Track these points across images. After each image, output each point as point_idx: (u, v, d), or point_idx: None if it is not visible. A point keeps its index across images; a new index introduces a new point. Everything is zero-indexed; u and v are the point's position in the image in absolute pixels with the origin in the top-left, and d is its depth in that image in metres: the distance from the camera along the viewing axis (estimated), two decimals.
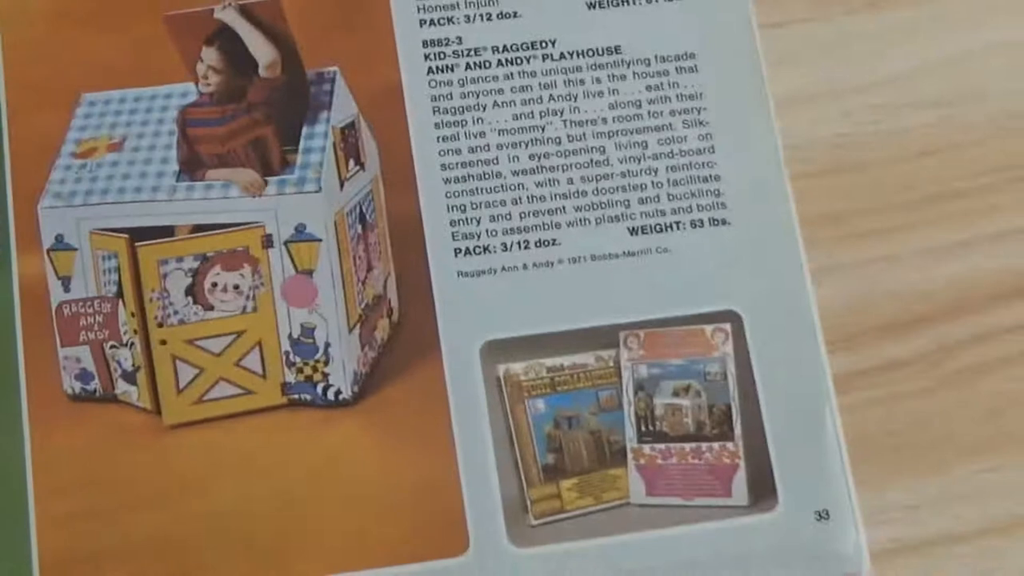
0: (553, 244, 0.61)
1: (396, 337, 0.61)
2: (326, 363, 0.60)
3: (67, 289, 0.60)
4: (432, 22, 0.63)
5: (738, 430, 0.60)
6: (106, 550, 0.57)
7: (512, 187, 0.61)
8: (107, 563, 0.57)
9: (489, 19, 0.63)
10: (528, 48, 0.63)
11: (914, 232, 0.65)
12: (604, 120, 0.62)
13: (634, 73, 0.63)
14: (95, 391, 0.60)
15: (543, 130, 0.62)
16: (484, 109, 0.62)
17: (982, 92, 0.66)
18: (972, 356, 0.63)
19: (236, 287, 0.60)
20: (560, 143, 0.61)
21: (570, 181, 0.61)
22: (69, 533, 0.57)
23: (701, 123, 0.62)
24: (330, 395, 0.60)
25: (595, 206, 0.61)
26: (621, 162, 0.62)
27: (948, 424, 0.62)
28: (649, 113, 0.62)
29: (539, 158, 0.61)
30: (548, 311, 0.60)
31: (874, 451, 0.62)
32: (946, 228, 0.65)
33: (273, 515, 0.58)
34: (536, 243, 0.61)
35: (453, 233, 0.61)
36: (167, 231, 0.60)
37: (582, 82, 0.62)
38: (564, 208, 0.61)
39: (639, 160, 0.62)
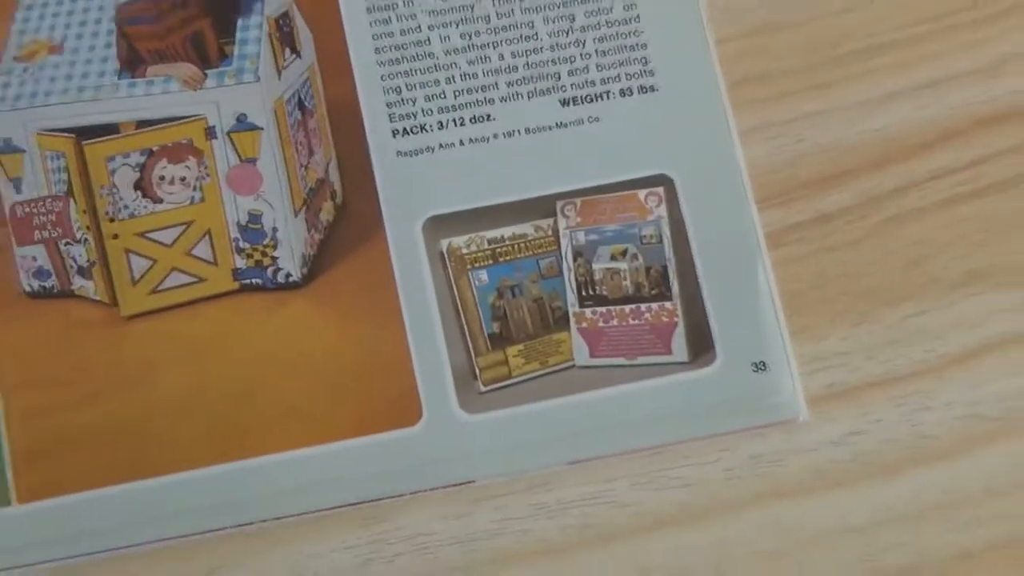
0: (488, 120, 0.62)
1: (341, 218, 0.62)
2: (274, 247, 0.61)
3: (18, 190, 0.61)
4: None
5: (675, 289, 0.61)
6: (73, 439, 0.58)
7: (445, 66, 0.62)
8: (75, 451, 0.58)
9: None
10: None
11: (840, 87, 0.64)
12: (535, 8, 0.62)
13: None
14: (53, 288, 0.61)
15: (472, 9, 0.62)
16: None
17: None
18: (897, 206, 0.63)
19: (183, 179, 0.61)
20: (489, 20, 0.62)
21: (501, 57, 0.62)
22: (37, 425, 0.58)
23: None
24: (280, 278, 0.61)
25: (526, 80, 0.62)
26: (550, 36, 0.62)
27: (876, 273, 0.62)
28: None
29: (470, 36, 0.62)
30: (486, 185, 0.61)
31: (807, 303, 0.62)
32: (873, 81, 0.64)
33: (230, 397, 0.59)
34: (471, 119, 0.61)
35: (390, 115, 0.61)
36: (112, 128, 0.60)
37: None
38: (496, 84, 0.62)
39: (567, 33, 0.62)
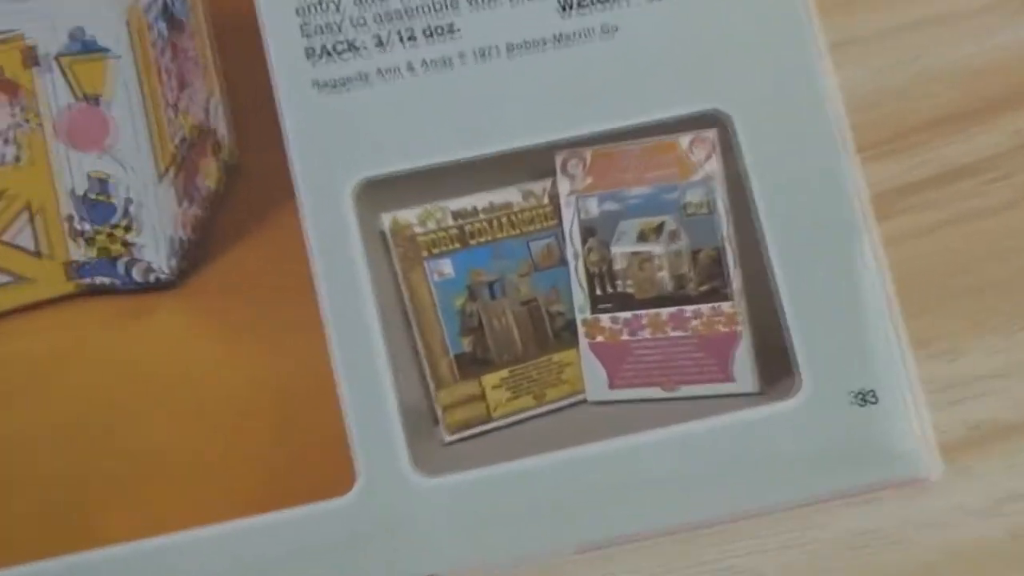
0: (450, 32, 0.56)
1: (232, 185, 0.59)
2: (129, 229, 0.57)
3: None
4: None
5: (737, 283, 0.56)
6: None
7: None
8: None
9: None
10: None
11: None
12: None
13: None
14: None
15: None
16: None
17: None
18: None
19: None
20: None
21: None
22: None
23: None
24: (138, 274, 0.57)
25: None
26: None
27: None
28: None
29: None
30: (449, 132, 0.56)
31: (933, 301, 0.56)
32: None
33: (64, 456, 0.55)
34: (425, 32, 0.56)
35: (303, 26, 0.56)
36: None
37: None
38: None
39: None
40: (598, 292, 0.57)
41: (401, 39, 0.56)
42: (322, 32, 0.56)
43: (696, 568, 0.55)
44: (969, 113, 0.58)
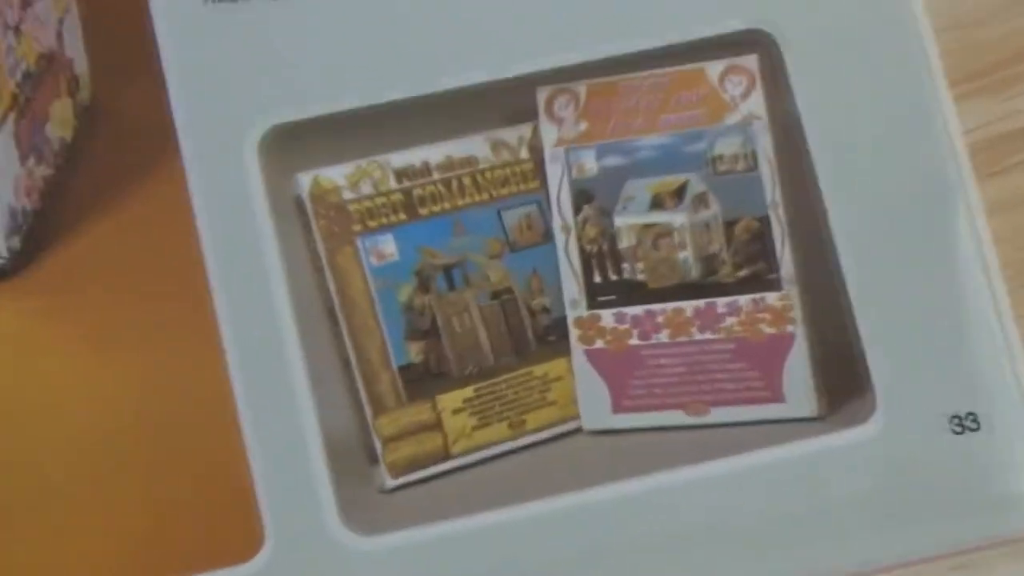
0: None
1: (91, 134, 0.52)
2: None
3: None
4: None
5: (787, 267, 0.49)
6: None
7: None
8: None
9: None
10: None
11: None
12: None
13: None
14: None
15: None
16: None
17: None
18: None
19: None
20: None
21: None
22: None
23: None
24: None
25: None
26: None
27: None
28: None
29: None
30: (390, 59, 0.48)
31: None
32: None
33: None
34: None
35: None
36: None
37: None
38: None
39: None
40: (597, 279, 0.50)
41: None
42: None
43: None
44: None
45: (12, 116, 0.51)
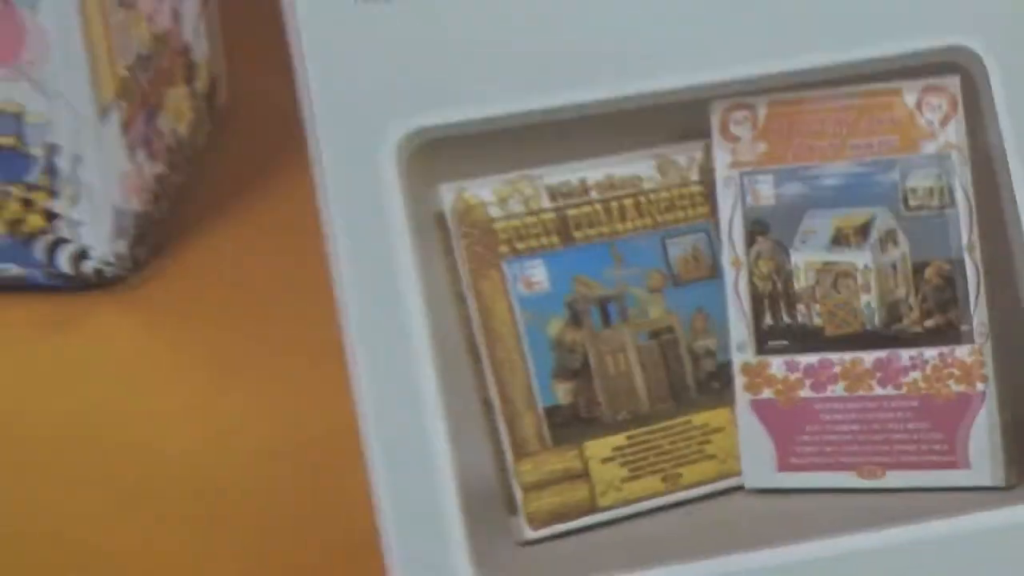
0: None
1: (215, 132, 0.56)
2: (53, 191, 0.54)
3: None
4: None
5: (980, 318, 0.50)
6: None
7: None
8: None
9: None
10: None
11: None
12: None
13: None
14: None
15: None
16: None
17: None
18: None
19: None
20: None
21: None
22: None
23: None
24: (65, 262, 0.55)
25: None
26: None
27: None
28: None
29: None
30: (546, 62, 0.49)
31: None
32: None
33: None
34: None
35: None
36: None
37: None
38: None
39: None
40: (768, 322, 0.51)
41: None
42: None
43: None
44: None
45: (122, 104, 0.51)
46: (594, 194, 0.51)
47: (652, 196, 0.51)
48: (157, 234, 0.53)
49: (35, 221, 0.52)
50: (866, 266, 0.50)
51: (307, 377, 0.54)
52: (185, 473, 0.54)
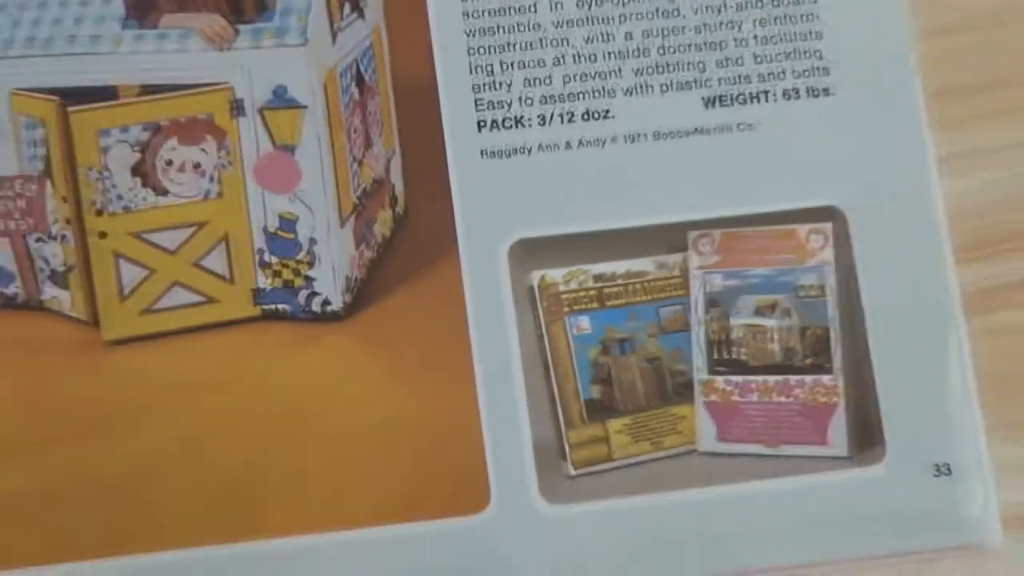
0: (605, 117, 0.62)
1: (401, 234, 0.65)
2: (310, 264, 0.63)
3: None
4: None
5: (837, 360, 0.61)
6: (28, 491, 0.59)
7: (554, 42, 0.63)
8: (29, 507, 0.59)
9: None
10: None
11: None
12: None
13: None
14: (15, 296, 0.63)
15: None
16: None
17: None
18: None
19: (196, 165, 0.63)
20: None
21: (628, 36, 0.62)
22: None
23: None
24: (315, 305, 0.63)
25: (660, 69, 0.63)
26: (696, 13, 0.62)
27: None
28: None
29: (589, 5, 0.63)
30: (597, 203, 0.62)
31: (1014, 391, 0.64)
32: None
33: (239, 457, 0.60)
34: (583, 115, 0.62)
35: (477, 100, 0.62)
36: (109, 93, 0.62)
37: None
38: (620, 71, 0.62)
39: (719, 11, 0.63)
40: (716, 356, 0.64)
41: (562, 119, 0.62)
42: (493, 108, 0.62)
43: None
44: None
45: (352, 218, 0.63)
46: (620, 280, 0.64)
47: (652, 283, 0.65)
48: (362, 292, 0.64)
49: (299, 281, 0.61)
50: (773, 327, 0.64)
51: (448, 379, 0.62)
52: (367, 425, 0.62)
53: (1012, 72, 0.67)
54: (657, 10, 0.63)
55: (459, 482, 0.60)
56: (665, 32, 0.63)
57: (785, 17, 0.64)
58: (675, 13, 0.63)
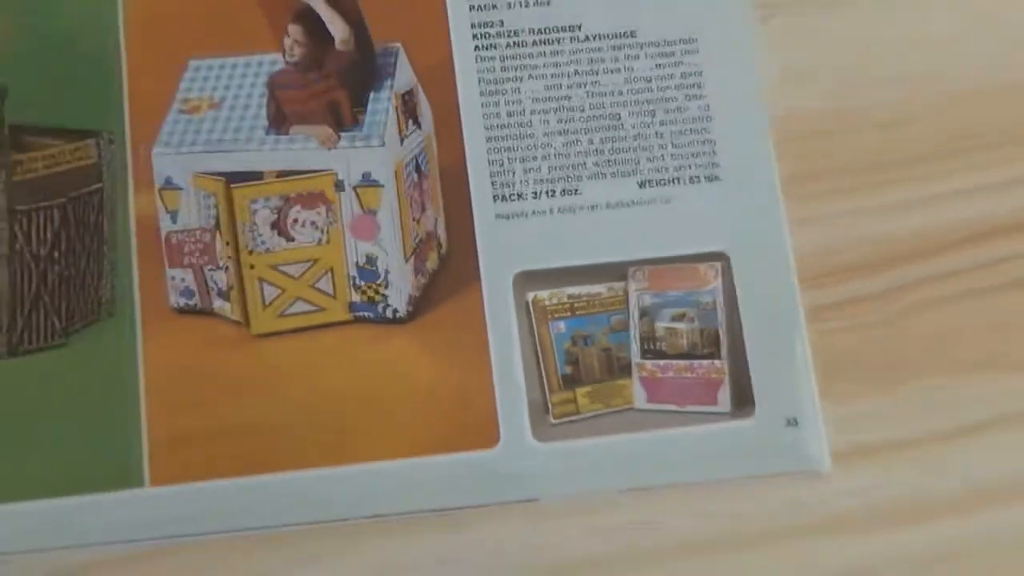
0: (575, 193, 0.69)
1: (443, 267, 0.68)
2: (385, 287, 0.68)
3: (174, 221, 0.67)
4: (479, 7, 0.71)
5: (724, 351, 0.67)
6: (202, 432, 0.65)
7: (542, 145, 0.69)
8: (202, 442, 0.64)
9: (526, 6, 0.71)
10: (559, 31, 0.70)
11: (879, 190, 0.72)
12: (620, 92, 0.70)
13: (646, 54, 0.70)
14: (195, 305, 0.67)
15: (569, 99, 0.69)
16: (521, 80, 0.70)
17: (940, 72, 0.73)
18: (923, 295, 0.71)
19: (313, 223, 0.67)
20: (583, 110, 0.69)
21: (591, 142, 0.69)
22: (172, 419, 0.64)
23: (700, 96, 0.70)
24: (388, 313, 0.67)
25: (611, 163, 0.69)
26: (633, 127, 0.69)
27: (902, 349, 0.70)
28: (657, 87, 0.70)
29: (565, 122, 0.69)
30: (570, 249, 0.68)
31: (839, 370, 0.69)
32: (909, 187, 0.72)
33: (338, 410, 0.65)
34: (561, 192, 0.68)
35: (492, 182, 0.68)
36: (257, 175, 0.67)
37: (603, 60, 0.70)
38: (585, 164, 0.69)
39: (648, 126, 0.69)
40: (645, 347, 0.67)
41: (548, 195, 0.68)
42: (503, 187, 0.69)
43: (692, 507, 0.68)
44: (870, 266, 0.72)
45: (412, 257, 0.67)
46: (584, 298, 0.68)
47: (605, 300, 0.68)
48: (418, 305, 0.67)
49: (378, 298, 0.66)
50: (683, 329, 0.68)
51: (473, 362, 0.65)
52: (423, 389, 0.64)
53: (840, 164, 0.73)
54: (608, 125, 0.69)
55: (479, 428, 0.65)
56: (614, 139, 0.69)
57: (690, 130, 0.70)
58: (620, 127, 0.70)
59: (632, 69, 0.70)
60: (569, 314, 0.68)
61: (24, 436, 0.64)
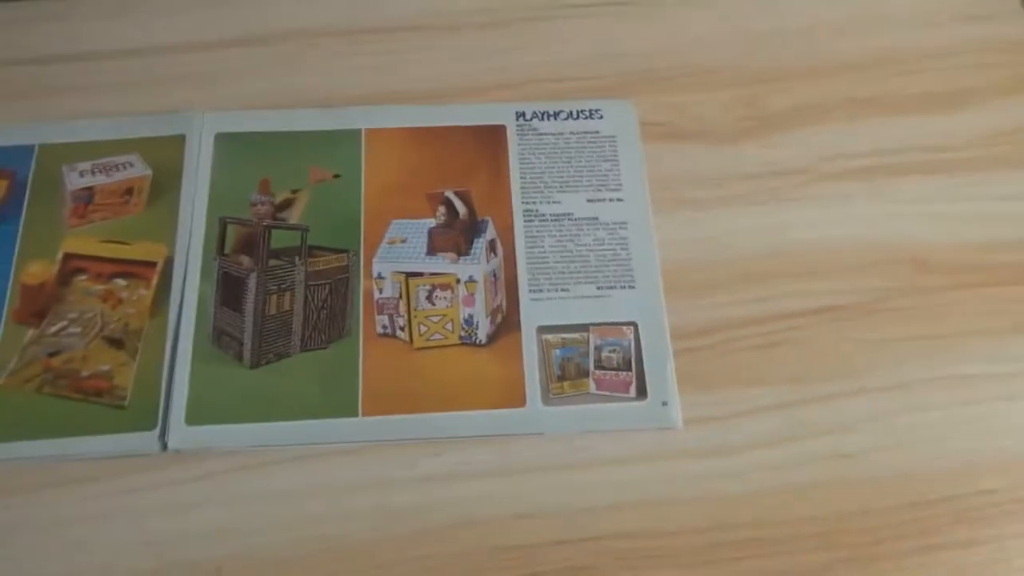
0: (567, 290, 0.88)
1: (503, 322, 0.84)
2: (476, 329, 0.83)
3: (380, 291, 0.83)
4: (526, 202, 0.88)
5: (633, 368, 0.82)
6: (388, 392, 0.81)
7: (552, 269, 0.89)
8: (387, 397, 0.80)
9: (548, 203, 0.88)
10: (562, 217, 0.88)
11: (728, 293, 0.85)
12: (590, 246, 0.87)
13: (603, 228, 0.88)
14: (387, 331, 0.82)
15: (566, 247, 0.89)
16: (543, 238, 0.88)
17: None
18: (731, 345, 0.82)
19: (445, 297, 0.83)
20: (572, 253, 0.88)
21: (576, 267, 0.88)
22: (373, 385, 0.80)
23: (627, 248, 0.88)
24: (476, 342, 0.83)
25: (585, 277, 0.87)
26: (596, 261, 0.88)
27: (718, 371, 0.82)
28: (608, 244, 0.88)
29: (565, 261, 0.89)
30: (562, 316, 0.87)
31: (688, 379, 0.83)
32: (743, 295, 0.84)
33: (451, 385, 0.82)
34: (560, 289, 0.88)
35: (529, 283, 0.87)
36: (420, 274, 0.84)
37: (582, 229, 0.89)
38: (574, 277, 0.87)
39: (603, 261, 0.88)
40: (596, 364, 0.82)
41: (555, 290, 0.86)
42: (533, 285, 0.86)
43: (617, 439, 0.77)
44: (710, 331, 0.82)
45: (489, 316, 0.83)
46: (568, 340, 0.81)
47: (578, 341, 0.80)
48: (492, 336, 0.77)
49: (472, 334, 0.79)
50: (614, 356, 0.78)
51: (513, 362, 0.77)
52: (488, 378, 0.76)
53: (706, 280, 0.83)
54: (584, 260, 0.86)
55: (517, 397, 0.80)
56: (586, 267, 0.86)
57: (621, 264, 0.86)
58: (590, 262, 0.86)
59: (596, 235, 0.86)
60: (562, 346, 0.82)
61: (301, 389, 0.79)
